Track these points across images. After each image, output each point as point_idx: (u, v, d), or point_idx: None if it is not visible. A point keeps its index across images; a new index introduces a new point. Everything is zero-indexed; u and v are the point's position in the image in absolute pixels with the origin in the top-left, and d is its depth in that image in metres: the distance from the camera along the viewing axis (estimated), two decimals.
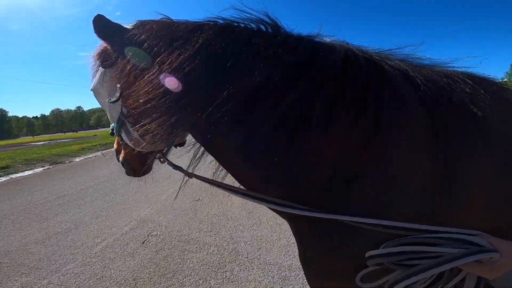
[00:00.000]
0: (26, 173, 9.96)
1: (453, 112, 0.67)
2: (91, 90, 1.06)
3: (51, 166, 11.12)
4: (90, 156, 14.21)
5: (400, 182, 0.65)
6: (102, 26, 0.87)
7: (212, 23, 0.81)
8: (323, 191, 0.69)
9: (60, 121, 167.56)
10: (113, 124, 1.02)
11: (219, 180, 0.92)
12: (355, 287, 0.69)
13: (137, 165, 1.10)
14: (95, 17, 0.86)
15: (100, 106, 1.10)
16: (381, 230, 0.63)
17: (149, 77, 0.76)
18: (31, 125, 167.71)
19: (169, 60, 0.73)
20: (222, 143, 0.78)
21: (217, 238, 3.40)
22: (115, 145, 1.19)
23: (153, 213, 4.52)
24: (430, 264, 0.56)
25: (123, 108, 0.92)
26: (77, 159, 13.16)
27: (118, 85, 0.88)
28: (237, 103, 0.69)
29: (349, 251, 0.69)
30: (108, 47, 0.90)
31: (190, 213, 4.37)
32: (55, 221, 4.62)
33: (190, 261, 2.88)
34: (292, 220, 0.83)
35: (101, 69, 0.98)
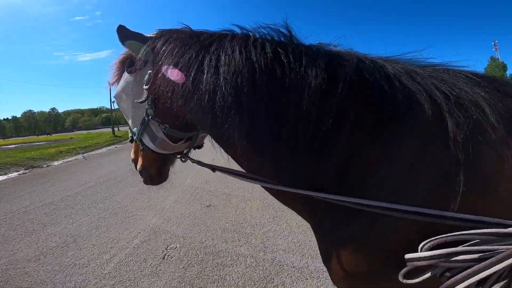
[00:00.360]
0: (0, 178, 8.91)
1: (457, 101, 0.67)
2: (114, 96, 1.11)
3: (27, 171, 10.06)
4: (70, 159, 13.14)
5: (414, 172, 0.64)
6: (125, 35, 0.96)
7: (229, 33, 0.87)
8: (338, 182, 0.71)
9: (32, 123, 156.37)
10: (135, 128, 1.02)
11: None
12: (379, 280, 0.68)
13: (155, 172, 1.11)
14: (118, 27, 0.95)
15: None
16: (407, 217, 0.60)
17: (181, 83, 0.83)
18: (1, 128, 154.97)
19: (198, 69, 0.80)
20: (254, 151, 0.79)
21: (249, 248, 3.01)
22: (132, 155, 1.18)
23: (162, 222, 4.03)
24: (490, 262, 0.51)
25: (149, 110, 0.95)
26: (56, 163, 12.10)
27: (146, 87, 0.93)
28: (269, 110, 0.73)
29: (369, 241, 0.68)
30: (134, 54, 0.98)
31: (206, 221, 3.94)
32: (45, 233, 3.99)
33: (229, 277, 2.47)
34: (313, 216, 0.83)
35: (126, 75, 1.03)
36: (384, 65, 0.75)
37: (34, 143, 30.23)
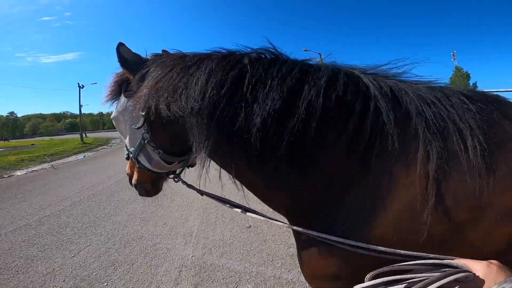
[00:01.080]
0: None
1: (438, 129, 0.68)
2: (112, 118, 1.13)
3: None
4: (36, 168, 11.29)
5: (386, 196, 0.66)
6: (125, 56, 0.98)
7: (217, 53, 0.89)
8: (318, 201, 0.75)
9: None
10: (132, 148, 1.05)
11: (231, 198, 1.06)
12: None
13: (149, 186, 1.17)
14: (118, 45, 0.96)
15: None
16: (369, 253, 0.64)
17: (166, 109, 0.85)
18: None
19: (192, 94, 0.79)
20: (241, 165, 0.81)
21: None
22: (127, 170, 1.23)
23: (203, 252, 3.10)
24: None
25: (145, 134, 0.97)
26: (19, 173, 10.33)
27: (142, 113, 0.92)
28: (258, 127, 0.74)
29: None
30: (130, 77, 1.00)
31: (260, 247, 3.09)
32: (37, 273, 2.88)
33: None
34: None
35: (123, 99, 1.04)
36: (367, 84, 0.75)
37: None
